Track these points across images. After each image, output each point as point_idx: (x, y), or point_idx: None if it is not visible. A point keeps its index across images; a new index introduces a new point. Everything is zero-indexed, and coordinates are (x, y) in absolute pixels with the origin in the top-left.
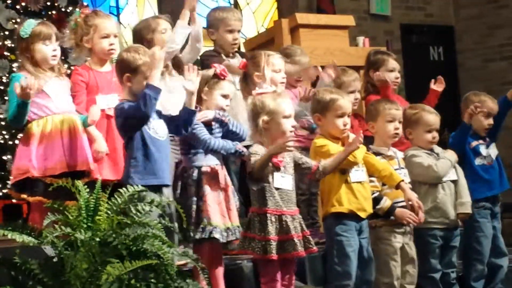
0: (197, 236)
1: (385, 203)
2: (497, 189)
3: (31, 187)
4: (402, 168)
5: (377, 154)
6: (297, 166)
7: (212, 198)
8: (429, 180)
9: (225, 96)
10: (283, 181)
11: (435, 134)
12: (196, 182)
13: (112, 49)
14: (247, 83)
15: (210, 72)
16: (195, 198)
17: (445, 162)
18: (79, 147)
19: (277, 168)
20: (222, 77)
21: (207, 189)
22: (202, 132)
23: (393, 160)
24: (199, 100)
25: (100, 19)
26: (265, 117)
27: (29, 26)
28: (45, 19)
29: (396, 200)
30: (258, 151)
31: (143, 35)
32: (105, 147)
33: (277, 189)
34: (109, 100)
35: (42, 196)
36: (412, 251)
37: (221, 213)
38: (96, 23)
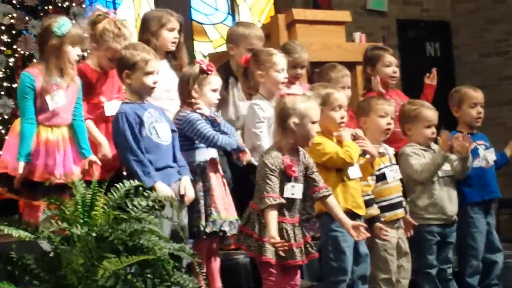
0: (208, 229)
1: (372, 210)
2: (495, 193)
3: (9, 183)
4: (394, 164)
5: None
6: (306, 175)
7: (218, 192)
8: (418, 180)
9: (214, 91)
10: (294, 190)
11: (434, 130)
12: (201, 177)
13: (112, 68)
14: (247, 79)
15: (196, 69)
16: (202, 193)
17: (429, 167)
18: (65, 159)
19: (289, 178)
20: (210, 72)
21: (214, 183)
22: (206, 128)
23: (384, 157)
24: (189, 98)
25: (116, 40)
26: (295, 120)
27: (65, 25)
28: (41, 14)
29: (391, 197)
30: (276, 161)
31: (150, 26)
32: (110, 152)
33: (285, 198)
34: (113, 106)
35: (14, 194)
36: (405, 245)
37: (224, 206)
38: (109, 45)
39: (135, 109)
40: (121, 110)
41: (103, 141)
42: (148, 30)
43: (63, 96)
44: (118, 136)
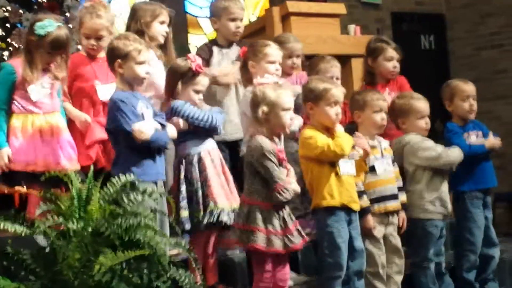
0: (205, 221)
1: (361, 201)
2: (492, 182)
3: (11, 178)
4: (385, 156)
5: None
6: None
7: (216, 182)
8: (437, 165)
9: (197, 92)
10: (283, 176)
11: (428, 120)
12: (198, 168)
13: (92, 49)
14: (246, 71)
15: (186, 65)
16: (200, 183)
17: (455, 151)
18: (62, 146)
19: (280, 163)
20: (198, 73)
21: (210, 172)
22: (195, 111)
23: (375, 149)
24: (173, 94)
25: (88, 15)
26: (265, 108)
27: (47, 27)
28: (36, 7)
29: (381, 188)
30: (268, 145)
31: (141, 16)
32: (87, 117)
33: None
34: (109, 90)
35: (22, 187)
36: (396, 241)
37: (225, 195)
38: (83, 20)
39: (130, 98)
40: (118, 97)
41: (84, 115)
42: (139, 20)
43: (44, 85)
44: (114, 118)
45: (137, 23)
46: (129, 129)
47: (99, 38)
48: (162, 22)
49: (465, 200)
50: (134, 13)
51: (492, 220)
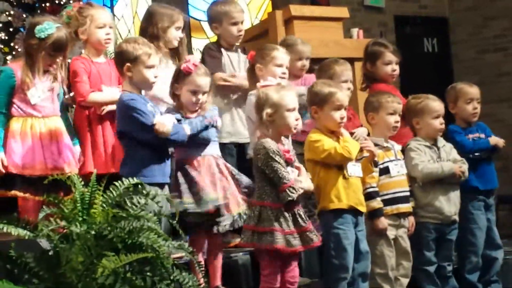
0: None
1: (374, 203)
2: (494, 183)
3: (8, 182)
4: (399, 159)
5: (374, 145)
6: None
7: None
8: (414, 176)
9: (193, 92)
10: (293, 175)
11: (442, 121)
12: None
13: (108, 39)
14: (253, 74)
15: (178, 66)
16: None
17: (436, 169)
18: (60, 150)
19: (288, 163)
20: (187, 73)
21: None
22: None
23: (389, 151)
24: (174, 96)
25: (95, 9)
26: (268, 110)
27: (47, 30)
28: (39, 11)
29: (394, 190)
30: (272, 146)
31: (157, 21)
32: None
33: None
34: (114, 93)
35: (18, 191)
36: (406, 244)
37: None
38: (92, 13)
39: (139, 98)
40: (128, 97)
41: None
42: (156, 25)
43: (44, 89)
44: (130, 118)
45: (154, 28)
46: (150, 124)
47: (111, 27)
48: (178, 28)
49: (465, 202)
50: (151, 17)
51: (495, 222)
